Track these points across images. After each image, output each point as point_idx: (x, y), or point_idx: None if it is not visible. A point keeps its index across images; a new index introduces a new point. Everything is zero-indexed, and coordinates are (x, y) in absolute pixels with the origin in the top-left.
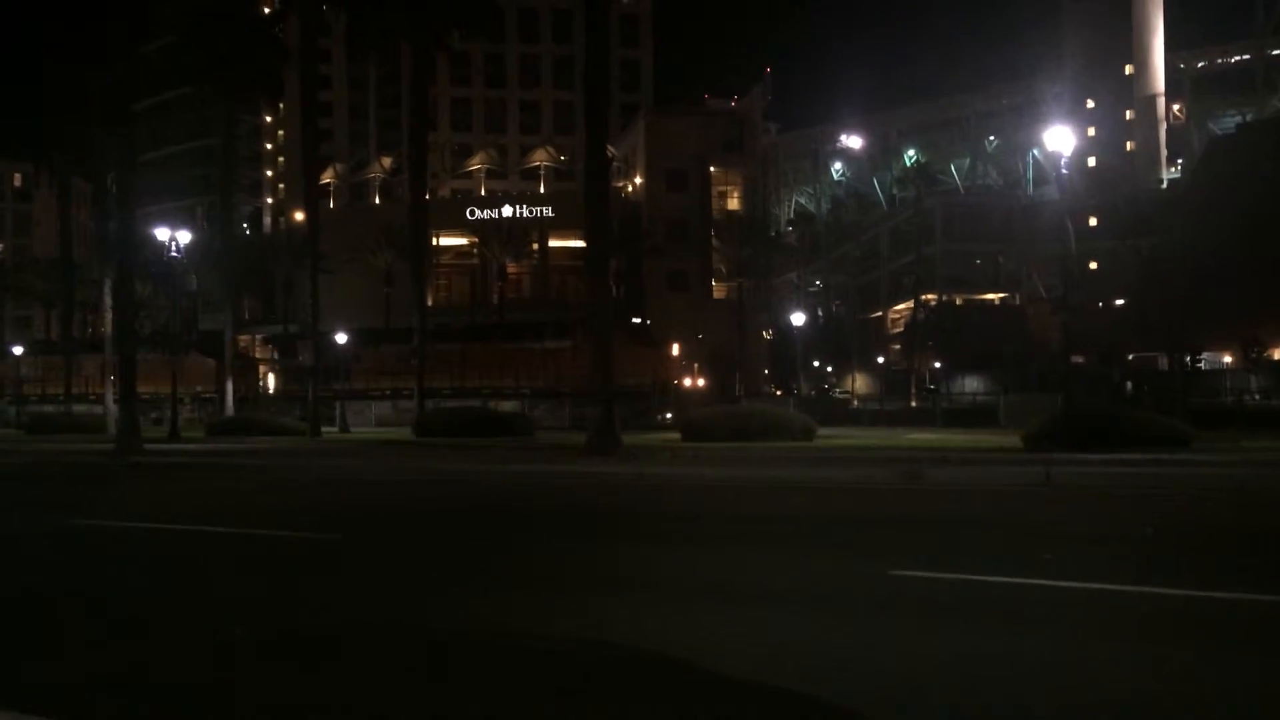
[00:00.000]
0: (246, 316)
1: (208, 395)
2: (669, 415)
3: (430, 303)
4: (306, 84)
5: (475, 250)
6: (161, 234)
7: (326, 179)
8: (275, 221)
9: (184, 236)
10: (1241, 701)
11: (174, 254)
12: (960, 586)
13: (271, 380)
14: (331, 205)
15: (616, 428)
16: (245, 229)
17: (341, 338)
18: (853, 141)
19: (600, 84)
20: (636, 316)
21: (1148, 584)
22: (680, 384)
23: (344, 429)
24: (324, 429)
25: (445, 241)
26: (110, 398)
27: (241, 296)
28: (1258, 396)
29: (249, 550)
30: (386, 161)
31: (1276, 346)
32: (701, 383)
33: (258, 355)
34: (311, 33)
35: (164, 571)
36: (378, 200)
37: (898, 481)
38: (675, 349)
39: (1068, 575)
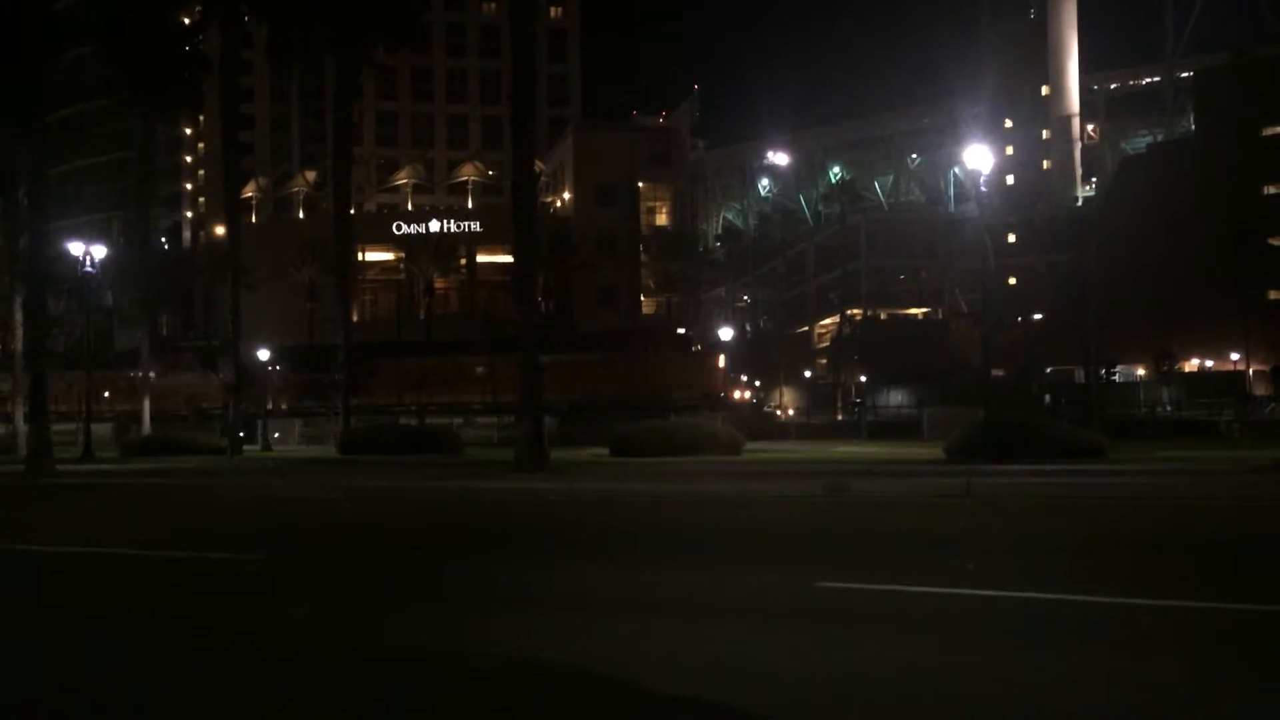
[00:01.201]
0: (165, 333)
1: (215, 411)
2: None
3: (356, 318)
4: (228, 96)
5: (402, 265)
6: (76, 249)
7: (248, 193)
8: (195, 236)
9: (99, 251)
10: (1158, 706)
11: (88, 269)
12: (885, 597)
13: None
14: (253, 219)
15: (544, 444)
16: (164, 243)
17: (263, 354)
18: (779, 158)
19: (527, 99)
20: (564, 331)
21: (1066, 592)
22: (729, 396)
23: (265, 447)
24: (245, 447)
25: (371, 256)
26: (20, 417)
27: (159, 312)
28: (1169, 408)
29: (163, 573)
30: (310, 175)
31: (1187, 360)
32: (748, 394)
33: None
34: (233, 44)
35: (58, 593)
36: (301, 214)
37: (824, 494)
38: (721, 360)
39: (989, 584)
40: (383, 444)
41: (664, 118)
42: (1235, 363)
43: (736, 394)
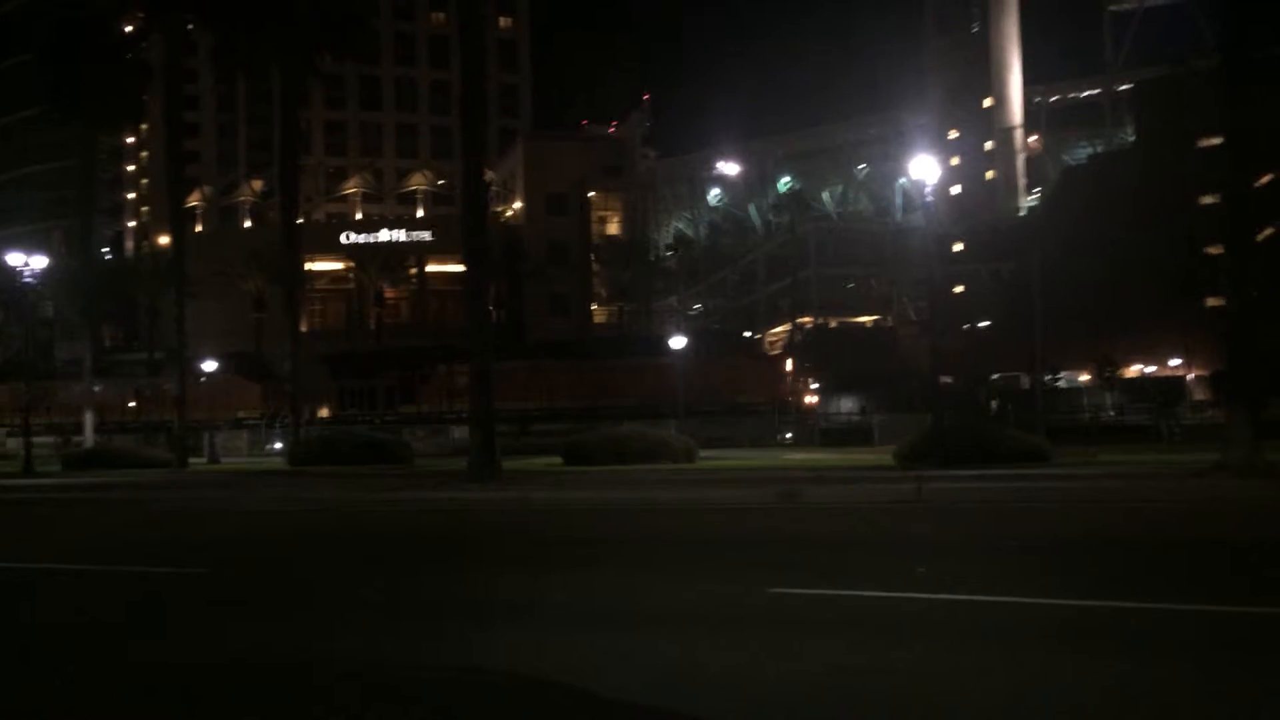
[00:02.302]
0: (108, 344)
1: (252, 421)
2: (789, 435)
3: (304, 328)
4: (171, 104)
5: (351, 275)
6: (15, 259)
7: (193, 201)
8: (138, 246)
9: (39, 261)
10: (1103, 705)
11: (28, 279)
12: (837, 602)
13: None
14: (199, 229)
15: (496, 453)
16: (106, 253)
17: (210, 365)
18: (729, 168)
19: (477, 107)
20: (517, 339)
21: (1013, 594)
22: (800, 401)
23: (213, 460)
24: (191, 460)
25: (320, 266)
26: None
27: (101, 323)
28: (1112, 413)
29: (107, 588)
30: (257, 184)
31: (1129, 366)
32: (815, 399)
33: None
34: (176, 52)
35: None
36: (248, 224)
37: (776, 501)
38: (789, 364)
39: (939, 588)
40: (334, 455)
41: (615, 128)
42: (1175, 368)
43: (808, 399)
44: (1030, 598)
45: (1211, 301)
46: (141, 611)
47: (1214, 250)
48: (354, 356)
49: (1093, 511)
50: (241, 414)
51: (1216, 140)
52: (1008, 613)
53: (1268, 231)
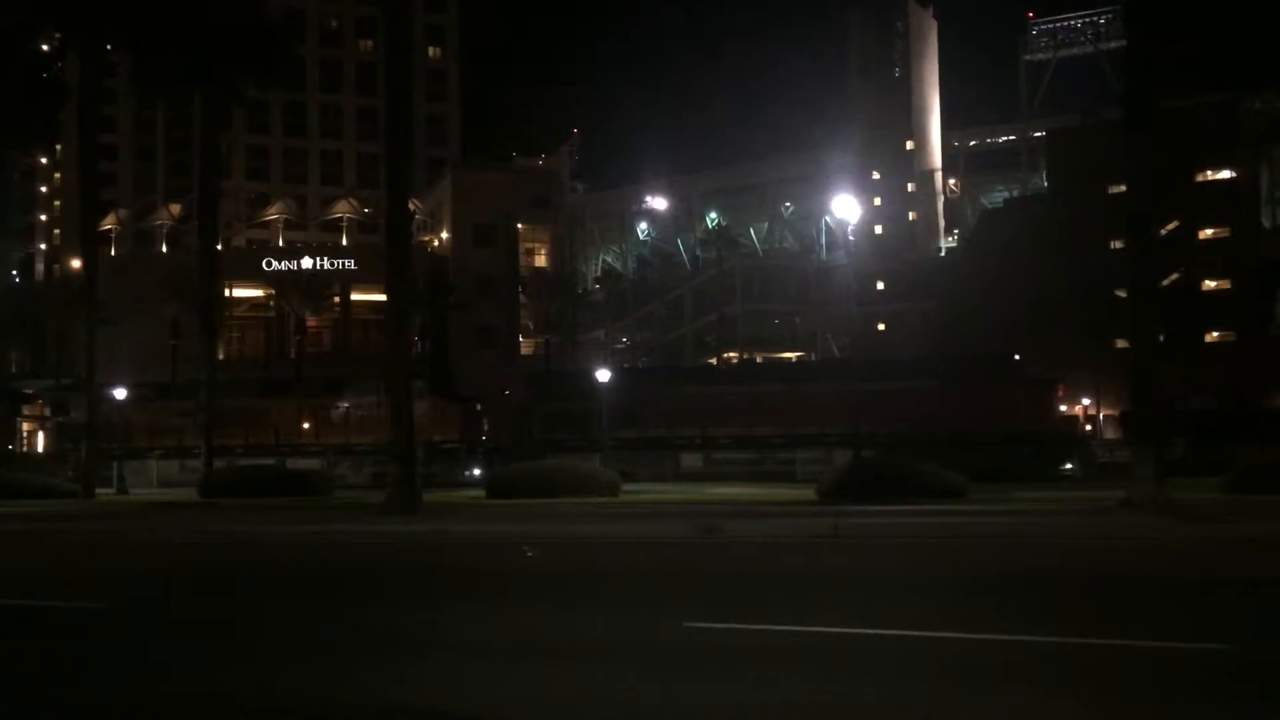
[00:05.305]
0: (13, 369)
1: (449, 445)
2: (1069, 465)
3: (222, 356)
4: (87, 125)
5: (272, 302)
6: None
7: (108, 225)
8: (49, 269)
9: None
10: None
11: None
12: (750, 636)
13: (41, 438)
14: (113, 253)
15: (417, 485)
16: (15, 276)
17: (121, 393)
18: (657, 203)
19: (402, 136)
20: (439, 372)
21: (924, 628)
22: (1080, 429)
23: (121, 490)
24: (99, 491)
25: (240, 293)
26: None
27: (8, 349)
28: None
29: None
30: (175, 208)
31: None
32: (1089, 428)
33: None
34: (94, 73)
35: None
36: (165, 248)
37: (696, 535)
38: (1060, 390)
39: (850, 622)
40: (247, 486)
41: (543, 160)
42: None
43: (1087, 427)
44: (938, 632)
45: (1120, 343)
46: (30, 648)
47: (1122, 293)
48: (561, 376)
49: (1005, 547)
50: (438, 438)
51: (1124, 187)
52: (914, 647)
53: (1173, 276)
